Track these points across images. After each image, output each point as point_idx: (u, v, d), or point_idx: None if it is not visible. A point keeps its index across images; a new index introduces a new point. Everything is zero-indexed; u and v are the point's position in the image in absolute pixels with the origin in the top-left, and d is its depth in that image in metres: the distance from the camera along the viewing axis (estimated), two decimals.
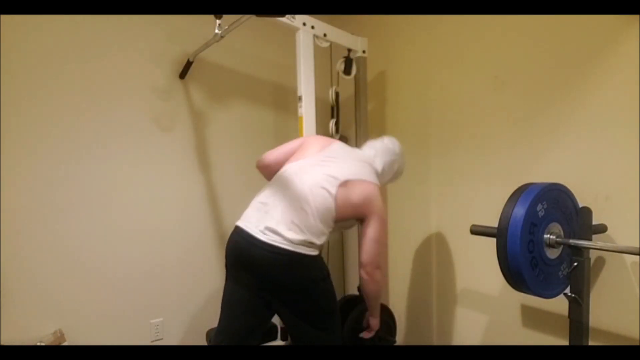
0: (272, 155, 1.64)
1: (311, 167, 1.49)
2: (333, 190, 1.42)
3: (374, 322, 1.66)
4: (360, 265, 1.49)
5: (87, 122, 1.86)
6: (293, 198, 1.41)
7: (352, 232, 2.62)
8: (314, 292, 1.42)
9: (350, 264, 2.71)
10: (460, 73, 1.99)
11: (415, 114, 2.23)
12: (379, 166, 1.65)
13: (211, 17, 1.74)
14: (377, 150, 1.68)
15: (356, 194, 1.46)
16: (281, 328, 1.83)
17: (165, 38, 2.05)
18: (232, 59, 2.28)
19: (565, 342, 1.48)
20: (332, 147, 1.60)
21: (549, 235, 1.36)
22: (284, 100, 2.48)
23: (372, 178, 1.55)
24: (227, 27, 1.76)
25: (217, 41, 1.80)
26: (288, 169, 1.52)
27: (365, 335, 1.67)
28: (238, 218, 1.50)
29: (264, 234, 1.37)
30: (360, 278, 1.51)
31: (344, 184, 1.45)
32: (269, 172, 1.63)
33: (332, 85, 2.11)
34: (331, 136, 2.13)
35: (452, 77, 2.04)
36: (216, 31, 1.72)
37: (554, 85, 1.66)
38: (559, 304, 1.51)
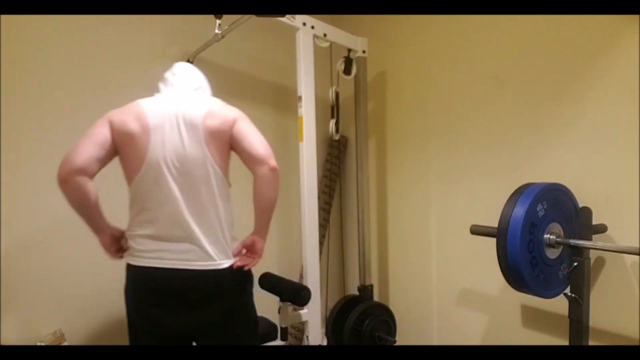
0: None
1: None
2: None
3: (261, 245, 1.39)
4: (258, 160, 1.29)
5: (87, 122, 1.85)
6: None
7: (352, 232, 2.62)
8: None
9: (350, 264, 2.71)
10: (460, 73, 2.00)
11: (415, 113, 2.23)
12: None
13: (211, 17, 1.74)
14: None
15: None
16: (281, 328, 1.83)
17: (165, 38, 2.05)
18: (232, 59, 2.28)
19: (565, 342, 1.48)
20: None
21: (549, 235, 1.36)
22: (284, 100, 2.48)
23: None
24: (227, 27, 1.76)
25: (217, 41, 1.81)
26: None
27: (246, 262, 1.34)
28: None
29: None
30: (260, 178, 1.29)
31: None
32: None
33: (332, 85, 2.11)
34: (331, 136, 2.14)
35: (451, 77, 2.04)
36: (216, 31, 1.72)
37: (553, 85, 1.66)
38: (559, 304, 1.51)
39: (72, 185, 1.20)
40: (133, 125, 1.25)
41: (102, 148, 1.25)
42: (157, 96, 1.35)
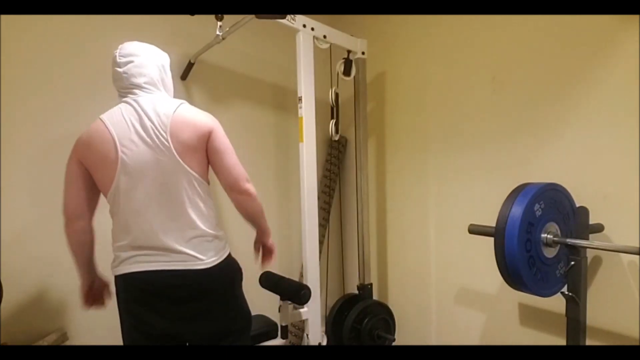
0: None
1: None
2: None
3: (268, 242, 1.52)
4: (231, 187, 1.35)
5: (87, 123, 1.87)
6: None
7: (352, 232, 2.63)
8: None
9: (350, 263, 2.72)
10: (459, 74, 2.01)
11: (414, 114, 2.24)
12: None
13: (212, 18, 1.75)
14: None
15: None
16: (281, 326, 1.84)
17: (166, 39, 2.06)
18: (232, 60, 2.29)
19: (562, 341, 1.50)
20: None
21: (546, 235, 1.38)
22: (284, 101, 2.49)
23: None
24: (227, 28, 1.77)
25: (218, 42, 1.82)
26: None
27: (269, 259, 1.52)
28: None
29: None
30: (236, 202, 1.37)
31: None
32: None
33: (331, 86, 2.12)
34: (331, 137, 2.15)
35: (450, 77, 2.05)
36: (217, 33, 1.73)
37: (551, 86, 1.67)
38: (557, 303, 1.53)
39: (71, 231, 1.34)
40: (99, 147, 1.26)
41: (84, 189, 1.31)
42: (118, 106, 1.33)
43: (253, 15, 1.60)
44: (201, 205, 1.32)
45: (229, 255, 1.40)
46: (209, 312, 1.34)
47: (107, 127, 1.27)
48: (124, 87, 1.33)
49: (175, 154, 1.26)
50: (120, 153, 1.25)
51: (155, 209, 1.27)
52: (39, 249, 1.76)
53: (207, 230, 1.32)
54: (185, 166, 1.28)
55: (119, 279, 1.31)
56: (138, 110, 1.28)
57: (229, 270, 1.39)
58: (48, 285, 1.78)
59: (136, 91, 1.31)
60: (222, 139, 1.35)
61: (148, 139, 1.26)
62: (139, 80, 1.31)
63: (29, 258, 1.73)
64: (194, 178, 1.30)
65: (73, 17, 1.81)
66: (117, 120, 1.28)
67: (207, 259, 1.30)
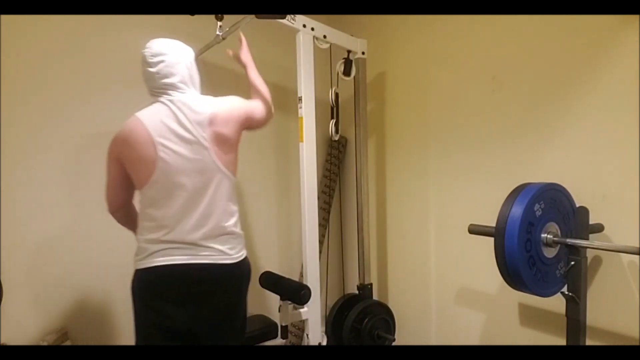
0: None
1: None
2: None
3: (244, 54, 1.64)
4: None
5: (88, 123, 1.87)
6: None
7: (352, 232, 2.63)
8: None
9: (350, 263, 2.72)
10: (459, 74, 2.01)
11: (414, 114, 2.24)
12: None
13: (212, 18, 1.75)
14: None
15: None
16: (281, 326, 1.84)
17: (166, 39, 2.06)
18: (233, 60, 2.29)
19: (562, 341, 1.50)
20: None
21: (546, 235, 1.38)
22: (284, 101, 2.49)
23: None
24: (227, 28, 1.77)
25: (218, 42, 1.82)
26: None
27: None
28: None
29: None
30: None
31: None
32: None
33: (331, 86, 2.12)
34: (331, 137, 2.15)
35: (450, 77, 2.05)
36: (217, 33, 1.73)
37: (551, 85, 1.67)
38: (557, 303, 1.53)
39: (117, 217, 1.49)
40: (137, 146, 1.30)
41: (123, 186, 1.40)
42: (154, 106, 1.36)
43: (253, 16, 1.60)
44: (230, 202, 1.39)
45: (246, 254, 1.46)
46: (227, 307, 1.39)
47: (144, 126, 1.30)
48: (156, 87, 1.37)
49: (211, 153, 1.32)
50: (158, 152, 1.29)
51: (188, 205, 1.31)
52: (40, 247, 1.76)
53: (234, 228, 1.38)
54: (220, 164, 1.34)
55: (144, 272, 1.32)
56: (174, 110, 1.32)
57: (247, 267, 1.45)
58: (49, 285, 1.78)
59: (170, 91, 1.35)
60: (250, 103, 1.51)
61: (185, 138, 1.30)
62: (172, 80, 1.35)
63: (30, 257, 1.73)
64: (225, 176, 1.36)
65: (71, 17, 1.80)
66: (154, 120, 1.32)
67: (233, 254, 1.36)
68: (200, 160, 1.31)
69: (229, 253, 1.35)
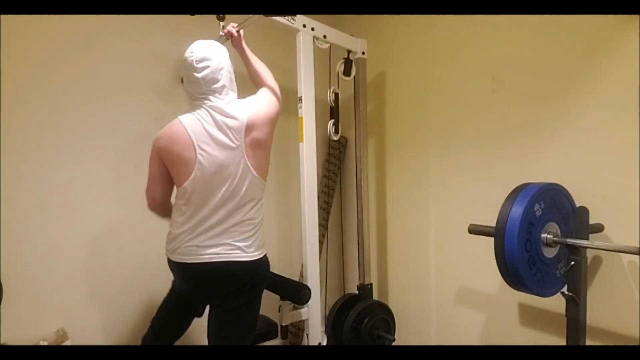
0: None
1: None
2: None
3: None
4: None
5: (88, 123, 1.87)
6: None
7: (352, 232, 2.63)
8: None
9: (350, 263, 2.72)
10: (459, 74, 2.01)
11: (414, 114, 2.24)
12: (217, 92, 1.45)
13: (213, 18, 1.75)
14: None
15: None
16: (281, 326, 1.84)
17: (167, 39, 2.06)
18: (233, 60, 2.29)
19: (562, 341, 1.50)
20: None
21: (546, 235, 1.38)
22: (284, 101, 2.44)
23: None
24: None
25: (221, 43, 1.81)
26: None
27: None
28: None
29: None
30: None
31: None
32: None
33: (330, 86, 2.12)
34: (329, 137, 2.15)
35: (450, 77, 2.05)
36: (220, 33, 1.73)
37: (551, 85, 1.67)
38: (556, 303, 1.53)
39: (158, 212, 1.58)
40: (179, 148, 1.40)
41: (164, 181, 1.49)
42: (197, 112, 1.44)
43: (259, 15, 1.61)
44: (257, 205, 1.47)
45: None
46: (247, 302, 1.47)
47: (186, 130, 1.40)
48: (200, 93, 1.43)
49: (245, 158, 1.41)
50: (198, 155, 1.38)
51: (220, 205, 1.39)
52: (41, 247, 1.76)
53: (258, 228, 1.47)
54: (252, 170, 1.42)
55: (174, 264, 1.46)
56: (215, 116, 1.40)
57: (266, 265, 1.52)
58: (48, 285, 1.78)
59: (211, 97, 1.42)
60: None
61: (223, 144, 1.39)
62: (217, 86, 1.42)
63: (30, 256, 1.73)
64: (257, 180, 1.45)
65: (71, 17, 1.80)
66: (195, 125, 1.41)
67: (253, 252, 1.44)
68: (233, 165, 1.39)
69: (248, 251, 1.42)
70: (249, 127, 1.40)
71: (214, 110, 1.40)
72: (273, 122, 1.50)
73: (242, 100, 1.48)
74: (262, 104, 1.49)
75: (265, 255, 1.51)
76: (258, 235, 1.47)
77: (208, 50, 1.42)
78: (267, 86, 1.59)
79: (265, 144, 1.47)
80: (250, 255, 1.42)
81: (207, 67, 1.39)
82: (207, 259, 1.39)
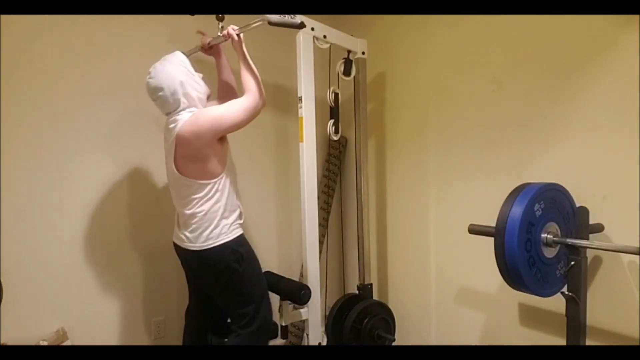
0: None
1: None
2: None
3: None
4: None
5: (88, 124, 1.87)
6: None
7: (352, 232, 2.64)
8: None
9: (350, 263, 2.72)
10: (459, 74, 2.01)
11: (414, 114, 2.24)
12: (173, 103, 1.56)
13: (212, 18, 1.75)
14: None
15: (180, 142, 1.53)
16: (281, 326, 1.84)
17: (167, 39, 2.06)
18: (232, 60, 2.29)
19: (562, 341, 1.50)
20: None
21: (546, 235, 1.38)
22: (284, 101, 2.49)
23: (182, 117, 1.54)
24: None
25: (220, 43, 1.81)
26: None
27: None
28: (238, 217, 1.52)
29: None
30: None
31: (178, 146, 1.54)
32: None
33: (329, 86, 2.12)
34: (329, 137, 2.15)
35: (450, 77, 2.05)
36: (219, 34, 1.73)
37: (551, 85, 1.67)
38: (557, 303, 1.53)
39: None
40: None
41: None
42: None
43: (261, 22, 1.61)
44: None
45: None
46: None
47: None
48: (164, 112, 1.64)
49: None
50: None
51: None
52: (41, 247, 1.76)
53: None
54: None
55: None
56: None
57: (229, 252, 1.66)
58: (48, 285, 1.78)
59: (172, 116, 1.59)
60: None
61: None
62: (170, 109, 1.60)
63: (30, 256, 1.73)
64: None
65: (71, 17, 1.80)
66: None
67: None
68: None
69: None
70: (177, 144, 1.52)
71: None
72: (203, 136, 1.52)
73: (191, 112, 1.55)
74: (194, 121, 1.52)
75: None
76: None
77: (159, 80, 1.53)
78: (238, 97, 1.64)
79: (197, 156, 1.54)
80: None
81: (159, 97, 1.54)
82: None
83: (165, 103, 1.55)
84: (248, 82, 1.61)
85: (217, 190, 1.57)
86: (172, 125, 1.54)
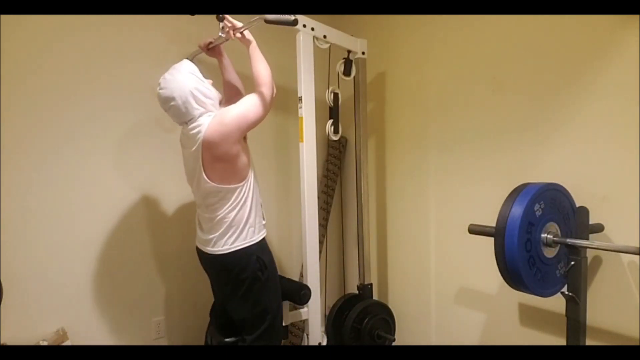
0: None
1: None
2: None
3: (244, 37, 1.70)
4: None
5: (88, 123, 1.87)
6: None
7: (352, 232, 2.64)
8: None
9: (350, 263, 2.73)
10: (459, 74, 2.01)
11: (414, 114, 2.24)
12: (187, 113, 1.55)
13: (212, 18, 1.75)
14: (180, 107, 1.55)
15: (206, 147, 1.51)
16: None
17: (167, 39, 2.06)
18: (232, 60, 2.29)
19: (562, 341, 1.50)
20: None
21: (546, 235, 1.38)
22: (284, 101, 2.49)
23: (204, 122, 1.53)
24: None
25: (221, 43, 1.81)
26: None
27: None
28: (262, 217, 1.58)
29: None
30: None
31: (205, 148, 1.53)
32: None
33: (329, 86, 2.12)
34: (328, 137, 2.15)
35: (450, 77, 2.05)
36: (220, 34, 1.73)
37: (551, 85, 1.67)
38: (557, 303, 1.53)
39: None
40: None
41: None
42: None
43: (263, 20, 1.61)
44: None
45: None
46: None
47: None
48: (178, 122, 1.64)
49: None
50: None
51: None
52: (41, 247, 1.76)
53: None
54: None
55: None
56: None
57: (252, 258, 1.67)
58: (48, 285, 1.78)
59: (187, 124, 1.60)
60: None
61: None
62: (184, 119, 1.60)
63: (30, 256, 1.74)
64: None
65: (71, 17, 1.80)
66: None
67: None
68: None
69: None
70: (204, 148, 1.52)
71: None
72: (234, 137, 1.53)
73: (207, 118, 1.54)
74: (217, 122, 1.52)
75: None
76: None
77: (170, 90, 1.52)
78: (250, 93, 1.62)
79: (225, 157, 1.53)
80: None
81: (171, 107, 1.53)
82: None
83: (178, 112, 1.54)
84: (260, 75, 1.62)
85: (245, 194, 1.59)
86: (194, 132, 1.52)
